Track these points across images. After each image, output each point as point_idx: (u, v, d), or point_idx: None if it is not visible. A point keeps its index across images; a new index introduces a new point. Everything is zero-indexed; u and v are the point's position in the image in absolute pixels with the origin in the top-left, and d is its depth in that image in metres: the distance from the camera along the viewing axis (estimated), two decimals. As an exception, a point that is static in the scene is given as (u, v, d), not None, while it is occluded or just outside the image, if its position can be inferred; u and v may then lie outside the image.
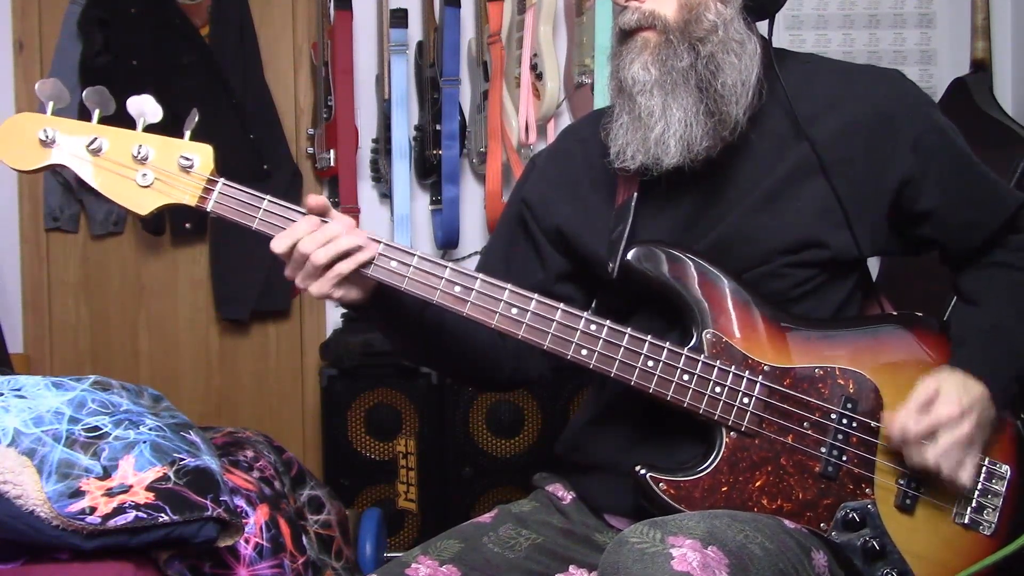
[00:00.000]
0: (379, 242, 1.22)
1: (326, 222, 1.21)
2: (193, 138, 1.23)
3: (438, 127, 2.83)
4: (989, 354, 1.27)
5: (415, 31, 2.92)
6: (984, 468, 1.27)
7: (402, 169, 2.85)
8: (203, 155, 1.22)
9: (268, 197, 1.22)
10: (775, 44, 1.34)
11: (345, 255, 1.20)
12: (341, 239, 1.19)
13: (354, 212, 2.82)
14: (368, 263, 1.21)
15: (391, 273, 1.23)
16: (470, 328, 1.32)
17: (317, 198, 1.21)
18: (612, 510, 1.35)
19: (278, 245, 1.19)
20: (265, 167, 2.88)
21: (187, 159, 1.21)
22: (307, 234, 1.19)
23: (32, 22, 3.00)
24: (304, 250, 1.18)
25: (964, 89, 2.63)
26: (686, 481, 1.23)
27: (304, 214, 1.22)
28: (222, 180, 1.22)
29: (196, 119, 1.22)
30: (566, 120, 2.88)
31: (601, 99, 2.59)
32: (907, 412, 1.21)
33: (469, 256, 2.97)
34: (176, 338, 3.11)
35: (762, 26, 1.34)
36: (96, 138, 1.20)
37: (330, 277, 1.20)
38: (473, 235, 2.99)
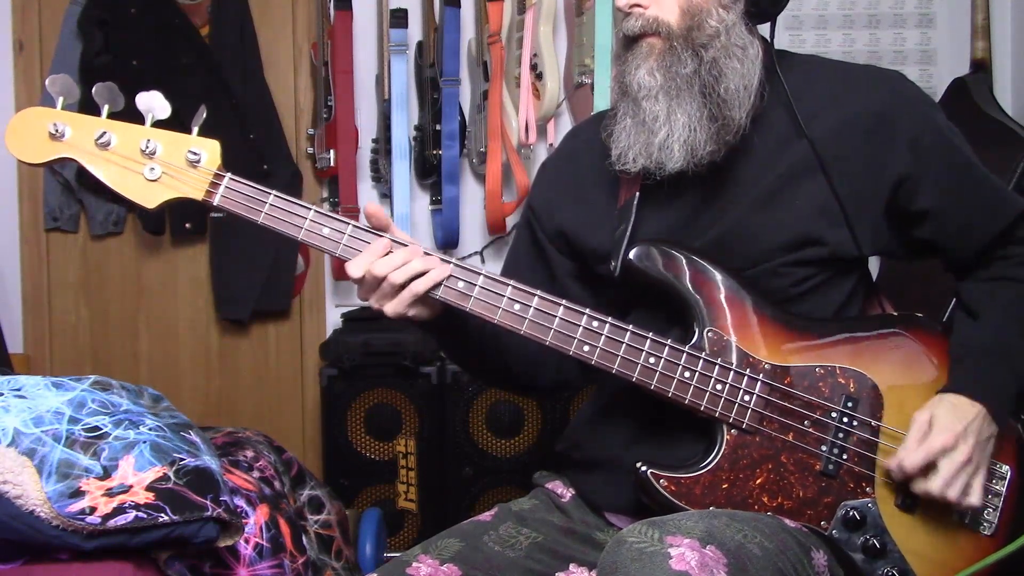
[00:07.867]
0: (450, 262, 1.26)
1: (397, 242, 1.25)
2: (199, 135, 1.24)
3: (438, 127, 2.83)
4: (988, 374, 1.26)
5: (415, 31, 2.92)
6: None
7: (402, 169, 2.85)
8: (210, 150, 1.23)
9: (274, 192, 1.24)
10: (776, 45, 1.35)
11: (418, 275, 1.23)
12: (413, 262, 1.23)
13: (354, 212, 2.81)
14: (439, 284, 1.24)
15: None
16: (521, 337, 1.33)
17: (374, 206, 1.25)
18: (612, 507, 1.35)
19: (354, 269, 1.23)
20: (265, 167, 2.88)
21: (195, 154, 1.22)
22: (379, 257, 1.22)
23: (32, 22, 3.00)
24: (379, 272, 1.22)
25: (964, 89, 2.63)
26: (687, 478, 1.23)
27: (305, 207, 1.23)
28: (229, 175, 1.23)
29: (204, 115, 1.23)
30: (566, 120, 2.88)
31: (601, 99, 2.59)
32: (904, 447, 1.22)
33: (469, 256, 2.97)
34: (176, 338, 3.11)
35: (764, 29, 1.34)
36: (105, 132, 1.21)
37: (405, 297, 1.24)
38: (473, 235, 2.99)
